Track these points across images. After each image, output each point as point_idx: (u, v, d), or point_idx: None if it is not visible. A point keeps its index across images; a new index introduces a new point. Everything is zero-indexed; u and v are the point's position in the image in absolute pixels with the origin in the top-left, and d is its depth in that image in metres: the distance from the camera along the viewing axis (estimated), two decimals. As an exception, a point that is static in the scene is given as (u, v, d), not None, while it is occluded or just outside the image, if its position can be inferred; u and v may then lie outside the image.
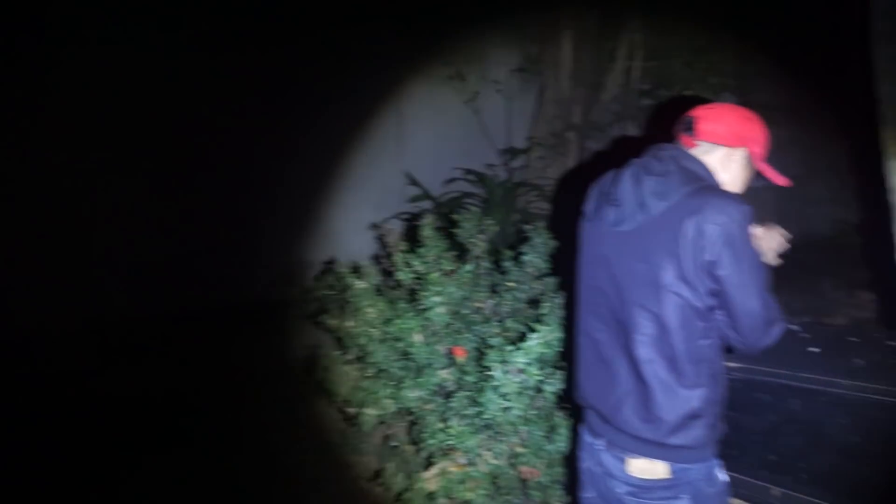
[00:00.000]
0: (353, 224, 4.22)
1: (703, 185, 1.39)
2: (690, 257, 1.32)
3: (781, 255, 1.58)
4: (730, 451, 2.42)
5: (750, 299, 1.34)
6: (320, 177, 4.21)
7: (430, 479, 2.35)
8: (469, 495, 2.31)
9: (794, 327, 2.34)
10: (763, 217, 1.53)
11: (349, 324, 2.57)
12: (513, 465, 2.38)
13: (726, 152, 1.47)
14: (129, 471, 2.90)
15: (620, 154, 1.59)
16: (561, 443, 2.30)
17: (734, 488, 2.43)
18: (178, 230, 3.77)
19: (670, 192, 1.37)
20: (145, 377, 3.45)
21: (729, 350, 1.45)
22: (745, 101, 3.26)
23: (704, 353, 1.38)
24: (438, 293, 2.32)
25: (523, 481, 2.42)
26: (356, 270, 2.65)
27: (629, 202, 1.43)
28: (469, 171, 4.36)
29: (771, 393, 2.26)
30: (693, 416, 1.38)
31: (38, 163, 3.39)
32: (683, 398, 1.37)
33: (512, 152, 4.52)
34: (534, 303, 2.57)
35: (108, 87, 3.42)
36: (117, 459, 2.94)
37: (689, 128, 1.48)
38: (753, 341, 1.39)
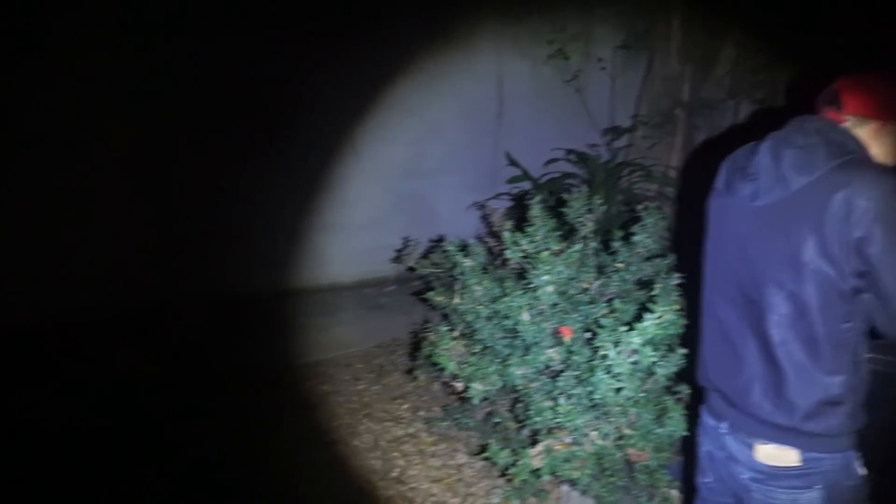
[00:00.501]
0: (454, 204, 4.29)
1: (853, 157, 1.30)
2: (837, 234, 1.25)
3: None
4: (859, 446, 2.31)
5: None
6: (421, 158, 4.29)
7: (535, 456, 2.37)
8: (574, 474, 2.32)
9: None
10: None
11: (456, 300, 2.63)
12: (619, 447, 2.37)
13: (878, 125, 1.37)
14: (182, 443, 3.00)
15: (737, 132, 1.52)
16: (671, 427, 2.25)
17: (861, 485, 2.31)
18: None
19: (815, 165, 1.30)
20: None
21: (874, 336, 1.36)
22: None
23: (846, 338, 1.31)
24: (547, 272, 2.32)
25: (630, 464, 2.40)
26: (463, 248, 2.70)
27: (767, 176, 1.37)
28: (570, 152, 4.30)
29: (907, 386, 2.11)
30: (831, 403, 1.32)
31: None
32: (820, 383, 1.32)
33: (615, 132, 4.41)
34: (643, 284, 2.52)
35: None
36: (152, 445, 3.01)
37: (835, 101, 1.39)
38: None
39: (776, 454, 1.38)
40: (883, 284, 1.26)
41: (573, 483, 2.43)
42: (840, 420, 1.34)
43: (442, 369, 2.61)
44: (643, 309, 2.11)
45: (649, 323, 1.96)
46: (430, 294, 2.84)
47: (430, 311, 3.24)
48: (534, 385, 2.43)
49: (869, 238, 1.23)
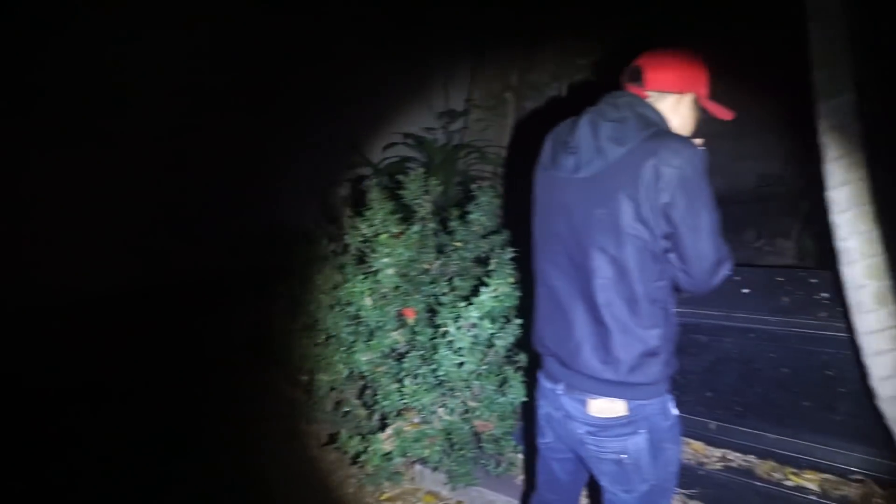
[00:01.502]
0: (294, 192, 4.11)
1: (658, 129, 1.42)
2: (647, 199, 1.35)
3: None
4: (672, 390, 2.57)
5: (702, 241, 1.38)
6: (260, 144, 4.05)
7: (385, 440, 2.36)
8: (425, 452, 2.35)
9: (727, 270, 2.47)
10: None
11: (297, 292, 2.52)
12: (466, 420, 2.43)
13: (675, 98, 1.51)
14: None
15: (561, 111, 1.60)
16: (512, 395, 2.35)
17: (675, 426, 2.58)
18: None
19: (627, 137, 1.40)
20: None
21: (677, 290, 1.50)
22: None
23: (659, 294, 1.43)
24: (387, 255, 2.30)
25: (477, 435, 2.47)
26: (302, 237, 2.59)
27: (587, 149, 1.45)
28: (408, 136, 4.31)
29: (707, 334, 2.39)
30: (650, 354, 1.44)
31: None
32: (640, 338, 1.43)
33: (451, 115, 4.49)
34: (481, 261, 2.59)
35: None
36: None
37: (637, 78, 1.51)
38: (702, 283, 1.44)
39: (607, 407, 1.47)
40: (686, 244, 1.39)
41: (425, 461, 2.46)
42: (658, 369, 1.46)
43: (286, 363, 2.50)
44: (481, 284, 2.17)
45: (486, 297, 2.01)
46: (270, 286, 2.69)
47: (272, 304, 3.08)
48: (380, 370, 2.41)
49: (673, 202, 1.35)
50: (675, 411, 1.54)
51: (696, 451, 2.46)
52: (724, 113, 1.54)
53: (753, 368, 2.34)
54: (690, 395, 2.50)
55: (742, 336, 2.33)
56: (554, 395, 1.58)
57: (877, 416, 1.60)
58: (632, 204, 1.36)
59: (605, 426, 1.48)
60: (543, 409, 1.66)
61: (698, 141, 1.54)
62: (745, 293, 2.38)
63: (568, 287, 1.50)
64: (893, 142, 1.41)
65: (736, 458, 2.40)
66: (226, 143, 3.84)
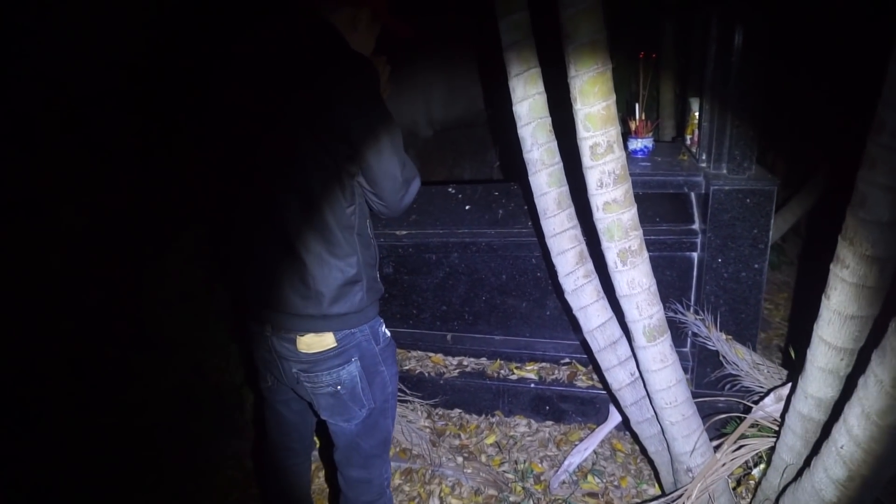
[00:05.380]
0: None
1: (330, 48, 1.33)
2: (325, 125, 1.28)
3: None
4: (410, 310, 2.66)
5: (387, 161, 1.35)
6: None
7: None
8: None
9: (451, 190, 2.57)
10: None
11: None
12: (201, 374, 2.26)
13: (350, 13, 1.42)
14: None
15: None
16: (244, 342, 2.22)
17: (417, 342, 2.70)
18: None
19: (298, 61, 1.29)
20: None
21: (371, 214, 1.47)
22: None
23: (351, 221, 1.38)
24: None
25: (216, 387, 2.32)
26: None
27: (258, 79, 1.32)
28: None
29: (436, 252, 2.49)
30: (350, 283, 1.40)
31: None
32: (338, 268, 1.38)
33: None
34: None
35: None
36: None
37: None
38: (395, 202, 1.42)
39: (316, 341, 1.42)
40: (371, 166, 1.34)
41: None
42: (361, 296, 1.44)
43: None
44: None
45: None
46: None
47: None
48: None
49: (352, 125, 1.29)
50: (387, 333, 1.54)
51: (437, 362, 2.61)
52: (404, 30, 1.50)
53: (478, 279, 2.51)
54: (427, 311, 2.61)
55: (466, 250, 2.46)
56: (263, 338, 1.49)
57: (569, 308, 1.80)
58: (309, 131, 1.28)
59: (317, 361, 1.44)
60: (257, 353, 1.58)
61: (380, 58, 1.49)
62: (466, 209, 2.50)
63: (258, 225, 1.39)
64: (559, 56, 1.50)
65: (470, 363, 2.59)
66: None
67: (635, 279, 1.57)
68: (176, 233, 2.23)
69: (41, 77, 1.98)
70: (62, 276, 2.06)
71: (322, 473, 2.31)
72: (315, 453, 2.20)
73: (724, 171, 2.14)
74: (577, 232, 1.75)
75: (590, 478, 2.18)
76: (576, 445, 2.26)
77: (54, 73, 2.00)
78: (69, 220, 2.08)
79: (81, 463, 2.03)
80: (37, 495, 1.93)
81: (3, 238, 1.97)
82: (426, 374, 2.56)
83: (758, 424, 1.81)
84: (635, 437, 1.95)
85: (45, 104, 2.06)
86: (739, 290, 2.15)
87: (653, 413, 1.80)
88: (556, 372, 2.49)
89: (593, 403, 2.41)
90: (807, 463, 1.46)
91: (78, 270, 2.08)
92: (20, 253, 1.99)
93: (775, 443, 1.66)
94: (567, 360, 2.53)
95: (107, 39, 2.07)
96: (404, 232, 2.47)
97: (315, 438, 1.91)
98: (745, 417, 1.81)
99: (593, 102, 1.44)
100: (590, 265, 1.77)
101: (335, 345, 1.43)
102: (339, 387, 1.46)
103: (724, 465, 1.73)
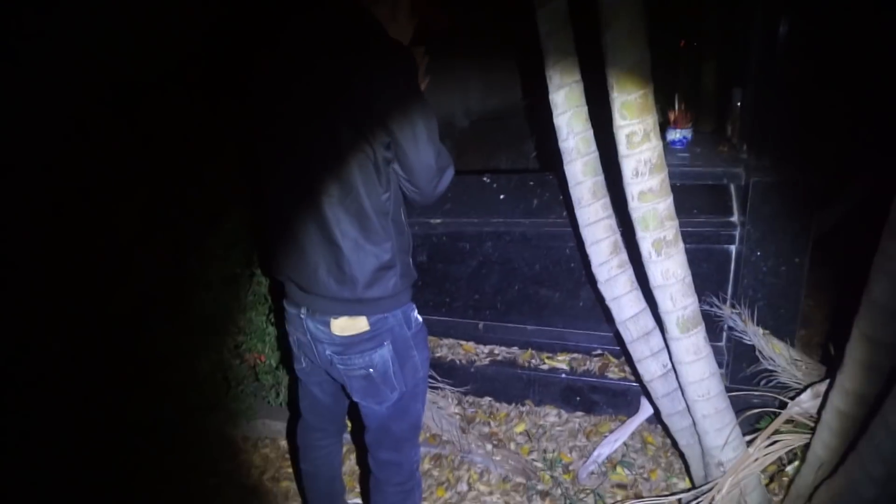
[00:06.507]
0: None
1: (370, 38, 1.35)
2: (364, 112, 1.30)
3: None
4: (443, 298, 2.68)
5: (422, 149, 1.37)
6: None
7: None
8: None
9: (486, 179, 2.57)
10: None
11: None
12: (239, 356, 2.32)
13: (390, 4, 1.44)
14: None
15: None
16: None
17: (449, 330, 2.73)
18: None
19: (339, 50, 1.32)
20: None
21: (405, 201, 1.50)
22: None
23: (386, 207, 1.41)
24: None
25: (253, 368, 2.38)
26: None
27: (300, 68, 1.35)
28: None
29: (469, 241, 2.50)
30: (385, 268, 1.43)
31: None
32: (373, 253, 1.41)
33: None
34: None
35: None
36: None
37: None
38: (429, 190, 1.44)
39: (349, 325, 1.46)
40: (407, 154, 1.36)
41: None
42: (395, 281, 1.46)
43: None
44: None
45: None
46: None
47: None
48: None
49: (390, 113, 1.31)
50: (419, 318, 1.57)
51: (468, 350, 2.63)
52: (442, 18, 1.51)
53: (512, 268, 2.51)
54: (460, 300, 2.63)
55: (500, 239, 2.47)
56: (299, 320, 1.53)
57: (602, 298, 1.80)
58: (349, 119, 1.31)
59: (350, 343, 1.47)
60: (293, 335, 1.62)
61: (418, 49, 1.51)
62: (501, 199, 2.51)
63: (297, 210, 1.43)
64: (597, 46, 1.50)
65: (501, 352, 2.61)
66: None
67: (670, 269, 1.55)
68: (217, 218, 2.30)
69: (92, 64, 2.06)
70: (113, 262, 2.15)
71: (353, 456, 2.36)
72: (347, 435, 2.25)
73: (766, 163, 2.09)
74: (612, 222, 1.75)
75: (619, 469, 2.18)
76: (605, 437, 2.26)
77: (104, 61, 2.08)
78: (121, 207, 2.17)
79: (124, 438, 2.13)
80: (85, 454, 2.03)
81: (58, 225, 2.06)
82: (457, 362, 2.59)
83: (793, 421, 1.78)
84: (666, 430, 1.94)
85: (95, 92, 2.15)
86: (779, 285, 2.11)
87: (685, 405, 1.78)
88: (588, 363, 2.48)
89: (625, 395, 2.40)
90: (842, 459, 1.43)
91: (128, 256, 2.17)
92: (75, 240, 2.08)
93: (811, 439, 1.63)
94: (599, 351, 2.52)
95: (156, 28, 2.14)
96: (438, 220, 2.49)
97: (347, 421, 1.95)
98: (779, 413, 1.78)
99: (630, 91, 1.43)
100: (624, 255, 1.76)
101: (368, 328, 1.46)
102: (371, 370, 1.49)
103: (756, 460, 1.71)
